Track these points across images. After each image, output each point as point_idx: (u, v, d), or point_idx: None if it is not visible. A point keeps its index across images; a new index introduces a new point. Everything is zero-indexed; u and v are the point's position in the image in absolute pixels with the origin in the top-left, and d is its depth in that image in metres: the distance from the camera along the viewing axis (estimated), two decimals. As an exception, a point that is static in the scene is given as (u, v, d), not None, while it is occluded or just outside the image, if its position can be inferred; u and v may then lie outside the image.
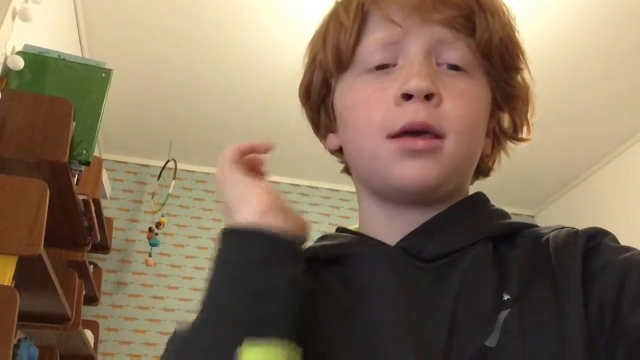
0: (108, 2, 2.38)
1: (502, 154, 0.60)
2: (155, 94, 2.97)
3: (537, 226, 0.53)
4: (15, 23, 1.62)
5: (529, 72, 0.56)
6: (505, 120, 0.57)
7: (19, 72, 1.59)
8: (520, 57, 0.54)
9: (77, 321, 2.09)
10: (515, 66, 0.54)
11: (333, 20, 0.54)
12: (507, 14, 0.53)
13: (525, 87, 0.56)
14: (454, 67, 0.51)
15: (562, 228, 0.50)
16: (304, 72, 0.59)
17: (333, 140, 0.58)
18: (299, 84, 0.60)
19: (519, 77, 0.55)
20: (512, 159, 0.60)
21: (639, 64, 2.56)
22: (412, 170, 0.48)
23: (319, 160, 3.49)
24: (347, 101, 0.54)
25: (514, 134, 0.57)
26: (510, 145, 0.59)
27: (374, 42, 0.52)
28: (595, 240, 0.47)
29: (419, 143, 0.48)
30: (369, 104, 0.51)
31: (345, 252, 0.53)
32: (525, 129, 0.57)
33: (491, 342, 0.43)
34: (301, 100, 0.60)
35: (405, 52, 0.51)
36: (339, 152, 0.59)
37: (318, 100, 0.58)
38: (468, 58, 0.51)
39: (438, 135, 0.49)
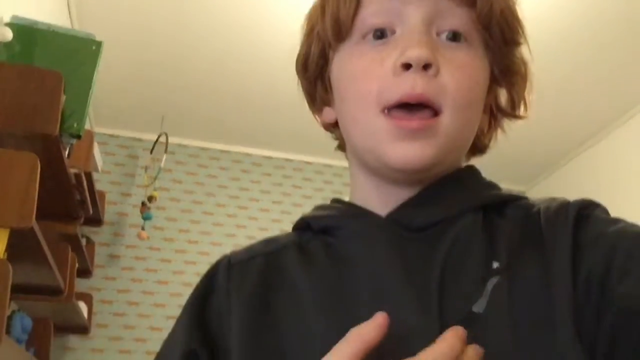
0: (98, -27, 2.34)
1: (499, 131, 0.59)
2: (147, 66, 2.93)
3: (527, 198, 0.53)
4: (3, -7, 1.59)
5: (528, 48, 0.55)
6: (503, 97, 0.57)
7: (8, 44, 1.57)
8: (520, 31, 0.54)
9: (70, 293, 2.10)
10: (514, 40, 0.54)
11: None
12: None
13: (524, 63, 0.56)
14: (453, 38, 0.50)
15: (554, 199, 0.50)
16: (301, 44, 0.58)
17: (329, 113, 0.58)
18: (296, 55, 0.59)
19: (517, 52, 0.55)
20: (503, 135, 0.60)
21: (633, 40, 2.55)
22: (407, 152, 0.48)
23: (313, 135, 3.50)
24: (344, 72, 0.53)
25: (512, 111, 0.57)
26: (506, 122, 0.59)
27: (373, 9, 0.51)
28: (586, 212, 0.47)
29: (414, 124, 0.48)
30: (366, 75, 0.50)
31: (336, 223, 0.54)
32: (522, 105, 0.57)
33: (479, 308, 0.44)
34: (298, 73, 0.59)
35: (404, 21, 0.50)
36: (334, 127, 0.59)
37: (315, 71, 0.57)
38: (468, 27, 0.51)
39: (434, 109, 0.48)
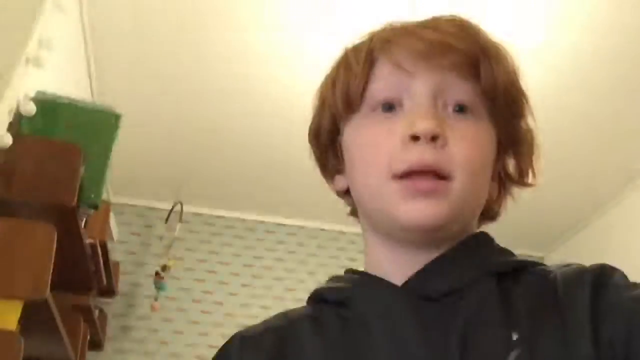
0: (119, 47, 2.43)
1: (509, 198, 0.60)
2: (164, 136, 3.00)
3: (543, 264, 0.53)
4: (28, 69, 1.65)
5: (533, 118, 0.57)
6: (511, 165, 0.58)
7: (31, 118, 1.62)
8: (524, 103, 0.56)
9: (81, 367, 2.05)
10: (519, 112, 0.56)
11: (342, 65, 0.56)
12: (511, 61, 0.55)
13: (530, 132, 0.57)
14: (460, 110, 0.52)
15: (569, 265, 0.50)
16: (313, 116, 0.61)
17: (340, 181, 0.59)
18: (308, 126, 0.61)
19: (523, 122, 0.57)
20: (520, 199, 0.61)
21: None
22: (418, 210, 0.49)
23: (327, 202, 3.48)
24: (355, 142, 0.55)
25: (520, 179, 0.58)
26: (517, 189, 0.60)
27: (382, 83, 0.53)
28: (604, 277, 0.47)
29: (424, 184, 0.49)
30: (376, 146, 0.52)
31: (351, 294, 0.53)
32: (530, 173, 0.58)
33: None
34: (310, 142, 0.61)
35: (411, 94, 0.52)
36: (346, 194, 0.60)
37: (327, 141, 0.59)
38: (474, 100, 0.53)
39: (444, 177, 0.49)
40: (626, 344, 0.41)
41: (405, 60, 0.52)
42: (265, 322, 0.57)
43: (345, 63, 0.56)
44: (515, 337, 0.45)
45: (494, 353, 0.44)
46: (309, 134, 0.61)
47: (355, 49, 0.56)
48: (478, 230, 0.57)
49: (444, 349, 0.45)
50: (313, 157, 0.62)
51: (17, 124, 1.60)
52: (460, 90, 0.52)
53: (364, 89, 0.54)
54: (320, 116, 0.59)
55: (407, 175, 0.49)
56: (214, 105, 2.74)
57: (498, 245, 0.56)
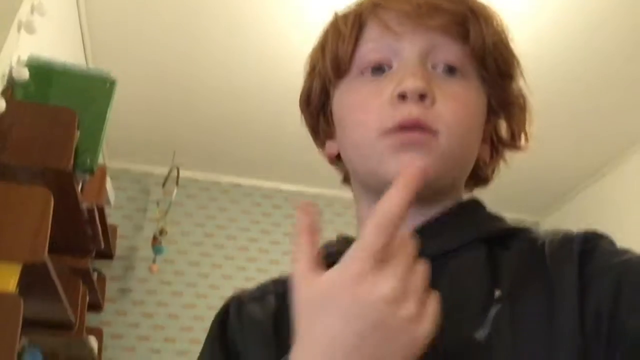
0: (112, 12, 2.41)
1: (504, 163, 0.60)
2: (159, 100, 2.99)
3: (533, 230, 0.53)
4: (20, 35, 1.64)
5: (524, 81, 0.57)
6: (503, 128, 0.58)
7: (24, 83, 1.62)
8: (515, 64, 0.56)
9: (80, 328, 2.10)
10: (509, 72, 0.55)
11: (332, 30, 0.57)
12: (500, 22, 0.55)
13: (522, 95, 0.57)
14: (449, 70, 0.52)
15: (558, 231, 0.50)
16: (304, 81, 0.61)
17: (331, 146, 0.60)
18: (300, 92, 0.62)
19: (515, 85, 0.57)
20: (516, 164, 0.61)
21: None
22: (407, 163, 0.49)
23: (322, 168, 3.46)
24: (344, 104, 0.56)
25: (512, 142, 0.58)
26: (510, 154, 0.60)
27: (370, 46, 0.54)
28: (592, 243, 0.47)
29: (411, 135, 0.49)
30: (365, 106, 0.52)
31: (338, 259, 0.54)
32: (523, 137, 0.58)
33: (480, 335, 0.44)
34: (301, 108, 0.62)
35: (399, 56, 0.52)
36: (337, 159, 0.60)
37: (317, 107, 0.60)
38: (463, 61, 0.53)
39: (431, 132, 0.50)
40: (614, 305, 0.42)
41: (393, 22, 0.52)
42: (262, 286, 0.58)
43: (334, 28, 0.56)
44: (497, 293, 0.46)
45: (475, 309, 0.45)
46: (300, 100, 0.62)
47: (345, 14, 0.57)
48: (469, 196, 0.57)
49: None
50: (304, 122, 0.63)
51: (10, 89, 1.60)
52: (449, 51, 0.52)
53: (353, 52, 0.54)
54: (311, 81, 0.59)
55: (395, 131, 0.50)
56: (211, 70, 2.73)
57: (489, 211, 0.56)
